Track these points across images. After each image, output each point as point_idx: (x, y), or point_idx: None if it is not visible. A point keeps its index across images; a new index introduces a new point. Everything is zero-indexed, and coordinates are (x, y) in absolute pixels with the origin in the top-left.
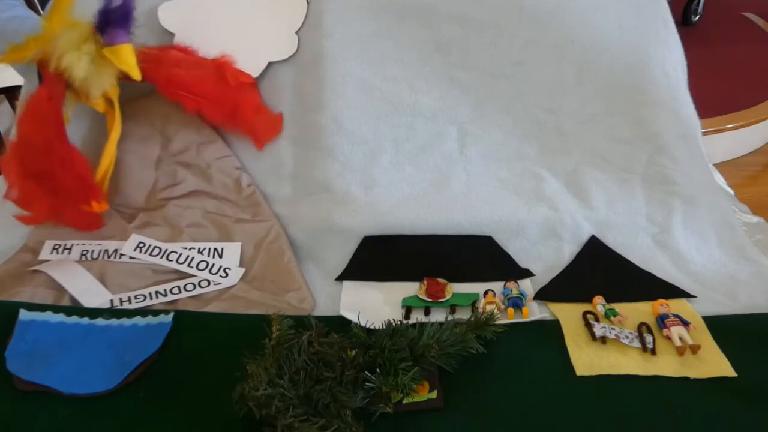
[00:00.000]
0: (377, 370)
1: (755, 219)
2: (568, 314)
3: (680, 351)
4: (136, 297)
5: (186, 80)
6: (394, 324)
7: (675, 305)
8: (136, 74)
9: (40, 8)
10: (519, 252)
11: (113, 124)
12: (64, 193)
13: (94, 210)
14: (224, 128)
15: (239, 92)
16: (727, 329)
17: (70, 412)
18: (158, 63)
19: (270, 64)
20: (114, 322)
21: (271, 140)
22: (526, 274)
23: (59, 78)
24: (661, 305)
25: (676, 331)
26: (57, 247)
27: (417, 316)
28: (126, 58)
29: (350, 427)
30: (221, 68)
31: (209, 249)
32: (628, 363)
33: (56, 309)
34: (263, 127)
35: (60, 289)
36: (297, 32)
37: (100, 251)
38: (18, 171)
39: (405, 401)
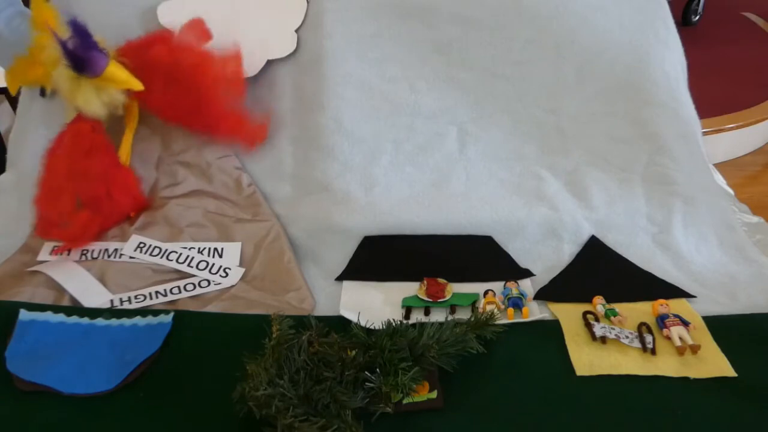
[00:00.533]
0: (377, 370)
1: (755, 219)
2: (568, 314)
3: (680, 351)
4: (136, 297)
5: (161, 106)
6: (394, 324)
7: (675, 305)
8: (137, 86)
9: None
10: (519, 252)
11: (131, 113)
12: (117, 212)
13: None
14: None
15: (218, 112)
16: (727, 329)
17: (70, 412)
18: (139, 70)
19: (269, 62)
20: (114, 322)
21: (253, 148)
22: (526, 274)
23: None
24: (661, 305)
25: (676, 331)
26: (57, 247)
27: (417, 316)
28: (119, 77)
29: (350, 427)
30: (201, 76)
31: (209, 249)
32: (628, 363)
33: (56, 309)
34: (242, 139)
35: (60, 289)
36: (296, 30)
37: (100, 251)
38: (69, 206)
39: (405, 401)
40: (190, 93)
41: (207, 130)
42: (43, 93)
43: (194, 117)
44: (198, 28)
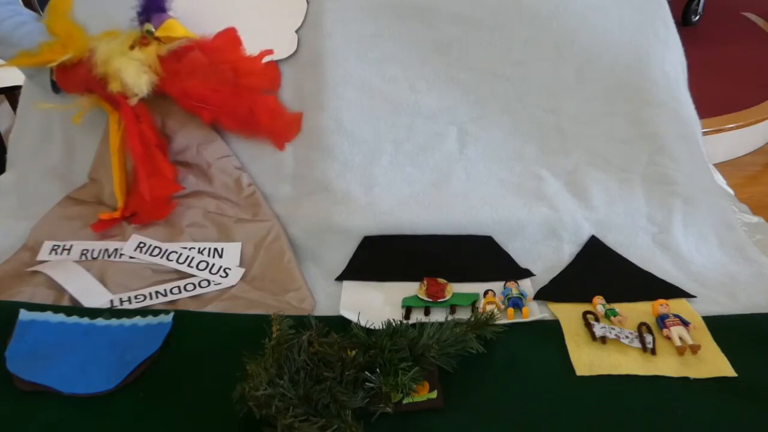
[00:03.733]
0: (377, 370)
1: (755, 219)
2: (568, 314)
3: (680, 351)
4: (136, 297)
5: (202, 92)
6: (394, 324)
7: (675, 305)
8: (194, 36)
9: (40, 10)
10: (519, 252)
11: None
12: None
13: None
14: (242, 135)
15: (254, 98)
16: (727, 329)
17: (70, 412)
18: (175, 74)
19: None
20: (114, 322)
21: (290, 140)
22: (526, 274)
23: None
24: (661, 305)
25: (676, 331)
26: (56, 247)
27: (417, 316)
28: (180, 29)
29: (350, 427)
30: (237, 71)
31: (209, 249)
32: (628, 363)
33: (56, 309)
34: (280, 130)
35: (60, 289)
36: (297, 31)
37: (100, 251)
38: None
39: (405, 401)
40: (227, 84)
41: (246, 122)
42: (55, 89)
43: (231, 109)
44: (230, 36)
